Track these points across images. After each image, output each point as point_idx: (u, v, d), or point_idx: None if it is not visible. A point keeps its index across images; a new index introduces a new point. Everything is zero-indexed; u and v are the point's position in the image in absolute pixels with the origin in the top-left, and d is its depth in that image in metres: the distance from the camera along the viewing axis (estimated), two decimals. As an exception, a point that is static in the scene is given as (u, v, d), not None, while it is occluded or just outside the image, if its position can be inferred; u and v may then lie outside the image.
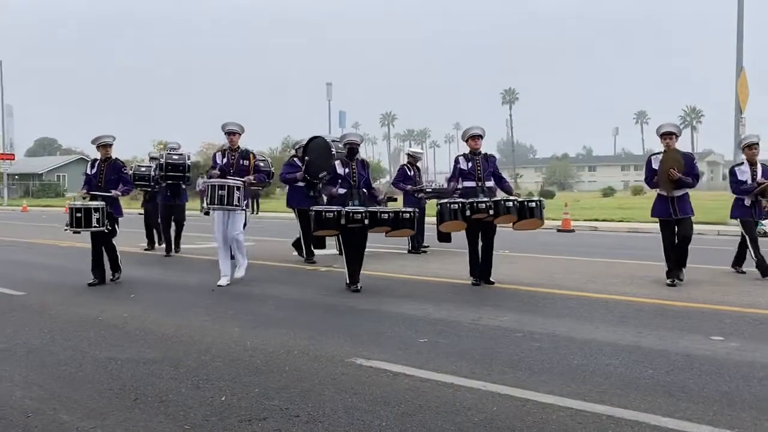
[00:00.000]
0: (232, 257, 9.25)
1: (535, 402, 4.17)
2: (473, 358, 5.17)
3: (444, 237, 11.27)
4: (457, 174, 8.74)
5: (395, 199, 12.56)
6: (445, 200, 8.60)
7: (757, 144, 9.27)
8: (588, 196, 58.07)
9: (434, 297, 7.88)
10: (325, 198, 9.21)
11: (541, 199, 8.77)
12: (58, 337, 6.06)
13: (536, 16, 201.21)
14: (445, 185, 10.79)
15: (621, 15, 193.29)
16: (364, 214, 8.14)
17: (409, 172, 12.59)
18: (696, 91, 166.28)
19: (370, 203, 8.59)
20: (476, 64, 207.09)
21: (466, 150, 8.82)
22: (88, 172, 9.17)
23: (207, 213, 9.09)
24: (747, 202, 9.22)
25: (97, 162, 9.15)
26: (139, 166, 13.35)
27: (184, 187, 12.64)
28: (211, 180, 8.70)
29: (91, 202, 8.86)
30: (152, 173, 12.93)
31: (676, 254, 8.34)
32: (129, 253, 12.83)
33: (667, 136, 8.32)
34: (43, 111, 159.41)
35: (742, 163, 9.33)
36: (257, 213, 29.04)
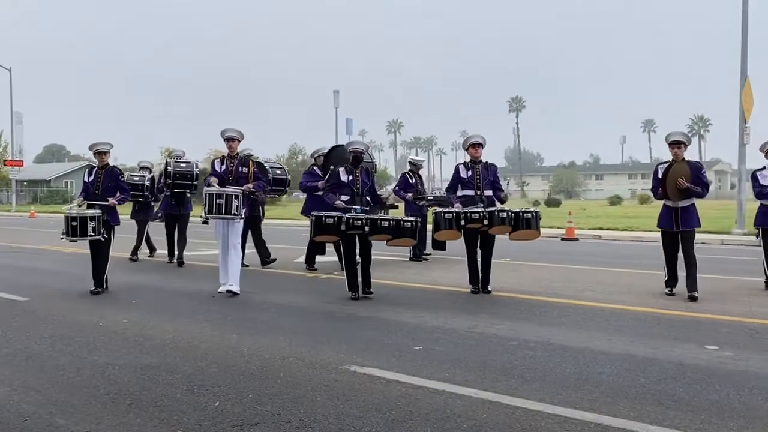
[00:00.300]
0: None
1: (525, 409, 4.21)
2: (467, 366, 5.21)
3: (439, 245, 11.31)
4: (456, 182, 8.81)
5: (396, 207, 12.62)
6: (440, 209, 8.66)
7: None
8: (594, 204, 57.96)
9: (432, 305, 7.93)
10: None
11: (537, 210, 8.76)
12: (58, 342, 6.14)
13: (543, 23, 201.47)
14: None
15: (628, 22, 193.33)
16: (364, 221, 8.19)
17: (410, 180, 12.64)
18: (704, 100, 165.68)
19: (373, 211, 8.66)
20: (483, 72, 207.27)
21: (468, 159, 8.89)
22: (86, 179, 9.08)
23: (206, 222, 9.01)
24: None
25: (95, 169, 9.05)
26: (131, 175, 12.96)
27: (189, 196, 12.34)
28: (209, 189, 8.59)
29: (87, 211, 8.77)
30: (145, 183, 12.85)
31: (687, 274, 8.13)
32: (131, 259, 12.94)
33: (675, 145, 8.16)
34: (52, 117, 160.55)
35: (764, 168, 9.07)
36: (262, 220, 29.13)
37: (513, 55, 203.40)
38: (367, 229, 8.17)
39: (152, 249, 13.56)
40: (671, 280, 8.46)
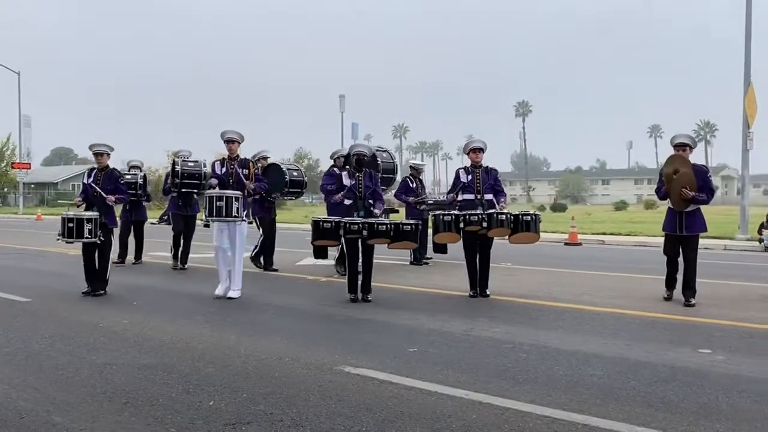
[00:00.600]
0: None
1: (515, 410, 4.26)
2: (460, 368, 5.26)
3: (439, 248, 11.35)
4: (457, 186, 8.86)
5: (397, 211, 12.68)
6: (439, 212, 8.71)
7: None
8: (600, 209, 57.86)
9: (430, 308, 7.98)
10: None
11: (537, 213, 8.78)
12: (58, 342, 6.22)
13: (550, 29, 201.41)
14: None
15: (635, 27, 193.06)
16: (361, 225, 8.24)
17: (411, 184, 12.70)
18: (711, 105, 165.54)
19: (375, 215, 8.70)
20: (490, 76, 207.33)
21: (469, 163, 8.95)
22: (85, 181, 9.08)
23: (207, 225, 9.02)
24: None
25: (94, 171, 9.04)
26: (124, 173, 12.32)
27: (196, 197, 12.18)
28: (209, 191, 8.56)
29: (84, 213, 8.74)
30: (139, 181, 12.72)
31: (684, 278, 8.14)
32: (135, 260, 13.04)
33: (680, 147, 8.08)
34: (59, 120, 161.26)
35: None
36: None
37: (519, 59, 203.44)
38: (365, 233, 8.22)
39: (124, 255, 12.77)
40: (669, 284, 8.40)
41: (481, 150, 8.91)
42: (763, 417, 4.16)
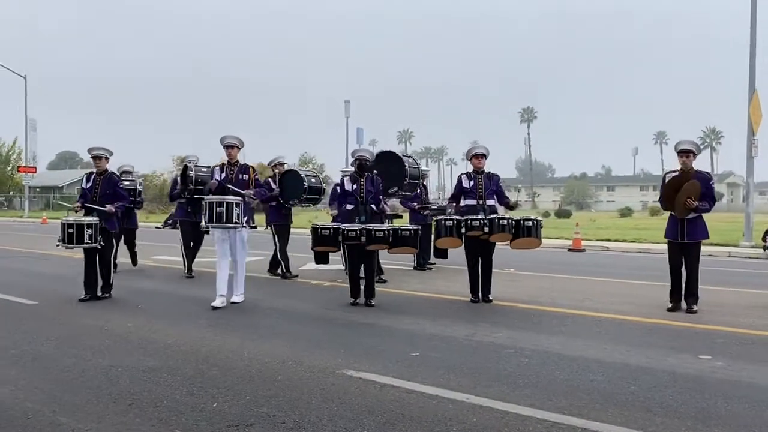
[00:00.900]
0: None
1: (515, 414, 4.30)
2: (461, 372, 5.31)
3: (441, 253, 11.36)
4: (459, 192, 8.91)
5: (401, 216, 12.72)
6: (441, 217, 8.77)
7: None
8: (605, 216, 57.85)
9: (432, 313, 8.03)
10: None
11: (539, 218, 8.81)
12: (64, 344, 6.29)
13: (556, 35, 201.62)
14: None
15: (642, 33, 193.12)
16: (359, 232, 8.30)
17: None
18: (717, 112, 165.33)
19: (377, 220, 8.76)
20: (494, 82, 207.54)
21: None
22: (84, 185, 9.01)
23: (207, 231, 8.90)
24: None
25: (93, 175, 8.97)
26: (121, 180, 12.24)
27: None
28: (209, 197, 8.42)
29: (84, 218, 8.70)
30: (138, 188, 12.42)
31: (686, 285, 8.15)
32: (141, 265, 13.11)
33: (684, 153, 8.06)
34: (65, 124, 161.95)
35: None
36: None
37: (525, 65, 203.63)
38: (363, 239, 8.28)
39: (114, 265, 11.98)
40: (674, 295, 8.30)
41: (483, 156, 8.96)
42: (762, 423, 4.19)
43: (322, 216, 20.82)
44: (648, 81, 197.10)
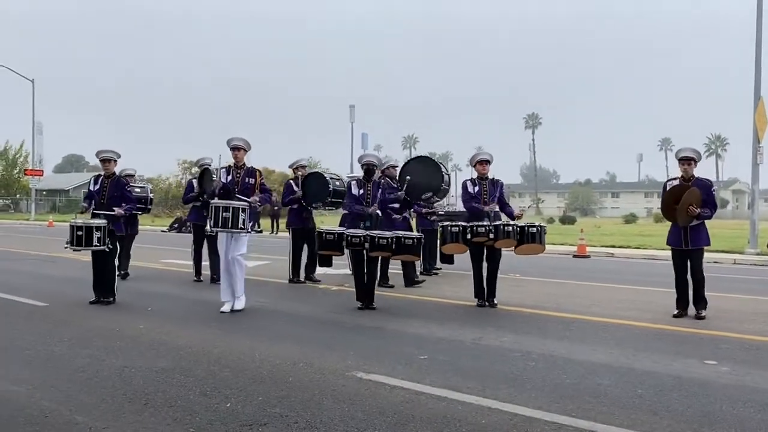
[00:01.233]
0: None
1: (523, 416, 4.37)
2: (470, 375, 5.39)
3: (446, 258, 11.42)
4: (469, 198, 8.97)
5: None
6: (447, 223, 8.85)
7: None
8: (610, 222, 57.83)
9: (439, 317, 8.11)
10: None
11: (543, 225, 8.89)
12: (76, 345, 6.38)
13: (561, 40, 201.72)
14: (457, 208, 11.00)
15: (646, 40, 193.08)
16: (363, 238, 8.38)
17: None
18: (722, 119, 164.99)
19: (382, 225, 8.83)
20: (499, 88, 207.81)
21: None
22: (91, 188, 9.02)
23: (212, 234, 8.82)
24: None
25: (101, 178, 8.99)
26: (131, 186, 11.39)
27: None
28: (215, 201, 8.32)
29: (92, 221, 8.72)
30: (149, 195, 12.38)
31: (693, 291, 8.18)
32: (147, 268, 13.25)
33: (685, 161, 8.12)
34: (71, 127, 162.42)
35: None
36: (276, 233, 29.46)
37: (529, 71, 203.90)
38: (367, 245, 8.36)
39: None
40: (680, 302, 8.31)
41: (488, 162, 9.03)
42: (767, 427, 4.26)
43: (327, 220, 20.91)
44: (653, 87, 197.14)
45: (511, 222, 8.69)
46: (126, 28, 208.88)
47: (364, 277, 8.62)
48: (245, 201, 8.40)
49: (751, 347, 6.57)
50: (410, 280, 10.86)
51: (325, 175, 11.44)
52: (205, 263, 11.46)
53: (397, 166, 11.24)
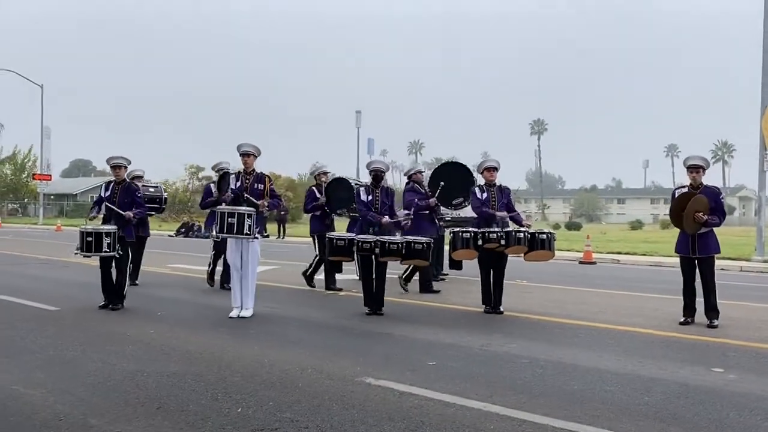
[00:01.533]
0: None
1: (531, 423, 4.42)
2: (478, 381, 5.43)
3: (455, 264, 11.43)
4: (480, 203, 9.01)
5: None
6: (458, 229, 8.91)
7: None
8: (616, 228, 57.75)
9: (447, 323, 8.16)
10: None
11: (552, 231, 8.97)
12: (89, 350, 6.46)
13: (567, 46, 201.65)
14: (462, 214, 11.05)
15: (652, 45, 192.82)
16: (374, 244, 8.44)
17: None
18: (729, 125, 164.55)
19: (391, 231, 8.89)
20: (505, 94, 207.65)
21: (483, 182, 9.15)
22: (102, 194, 9.07)
23: (218, 240, 8.83)
24: None
25: (111, 184, 9.05)
26: (145, 186, 11.85)
27: None
28: (220, 207, 8.40)
29: (102, 226, 8.79)
30: (163, 195, 12.36)
31: (705, 301, 8.15)
32: (158, 273, 13.33)
33: (693, 169, 8.11)
34: (78, 132, 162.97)
35: None
36: (283, 237, 29.54)
37: (535, 77, 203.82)
38: (377, 251, 8.42)
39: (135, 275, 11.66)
40: (687, 309, 8.31)
41: (495, 169, 9.10)
42: (773, 434, 4.30)
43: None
44: (659, 93, 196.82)
45: (522, 228, 8.75)
46: (138, 34, 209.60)
47: (372, 283, 8.67)
48: (254, 203, 8.46)
49: (759, 355, 6.60)
50: (426, 285, 10.89)
51: (351, 182, 11.34)
52: (219, 269, 11.44)
53: (423, 171, 11.29)
